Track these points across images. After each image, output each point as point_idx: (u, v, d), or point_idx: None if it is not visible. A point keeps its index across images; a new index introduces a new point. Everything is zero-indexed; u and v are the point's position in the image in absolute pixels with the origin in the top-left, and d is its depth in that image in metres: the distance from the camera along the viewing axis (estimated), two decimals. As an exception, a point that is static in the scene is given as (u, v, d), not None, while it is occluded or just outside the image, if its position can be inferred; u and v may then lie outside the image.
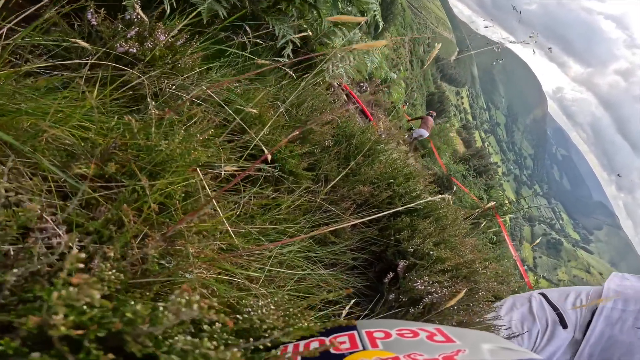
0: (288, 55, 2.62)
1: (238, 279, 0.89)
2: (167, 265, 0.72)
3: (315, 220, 1.17)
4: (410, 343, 0.43)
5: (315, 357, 0.39)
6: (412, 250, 1.23)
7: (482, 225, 3.17)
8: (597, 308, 1.44)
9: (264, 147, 1.07)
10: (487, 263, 1.27)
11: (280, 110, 1.30)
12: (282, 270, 1.05)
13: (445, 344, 0.43)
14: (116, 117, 0.99)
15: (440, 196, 0.84)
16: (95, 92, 0.97)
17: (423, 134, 7.93)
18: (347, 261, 1.19)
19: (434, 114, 8.76)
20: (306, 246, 1.09)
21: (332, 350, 0.41)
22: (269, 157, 1.07)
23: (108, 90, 0.94)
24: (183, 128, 0.94)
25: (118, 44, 1.21)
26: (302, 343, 0.45)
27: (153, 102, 0.83)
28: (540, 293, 1.63)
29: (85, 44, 1.04)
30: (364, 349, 0.42)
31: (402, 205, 1.41)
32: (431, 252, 1.23)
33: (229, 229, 0.74)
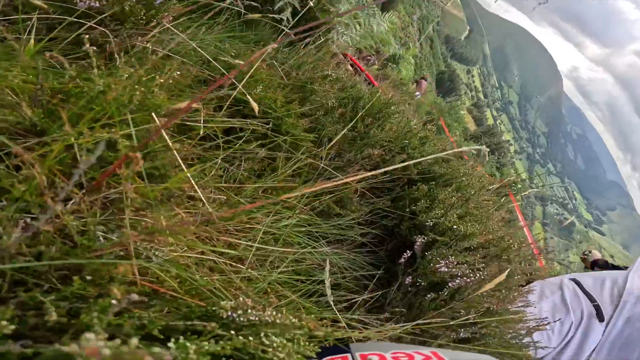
0: (287, 19, 2.37)
1: (217, 258, 0.71)
2: (114, 239, 0.55)
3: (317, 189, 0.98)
4: None
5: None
6: (431, 224, 1.04)
7: (502, 200, 2.96)
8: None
9: (250, 99, 0.87)
10: (521, 240, 1.08)
11: (265, 55, 1.09)
12: (278, 248, 0.87)
13: None
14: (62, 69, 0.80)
15: (475, 147, 0.64)
16: (32, 42, 0.78)
17: (416, 95, 8.86)
18: (354, 237, 1.01)
19: (428, 77, 10.37)
20: (306, 219, 0.90)
21: (325, 374, 0.32)
22: (255, 108, 0.87)
23: (32, 46, 0.74)
24: (145, 75, 0.75)
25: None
26: None
27: (89, 44, 0.63)
28: (571, 279, 1.47)
29: (37, 2, 0.85)
30: None
31: (417, 172, 1.20)
32: (454, 227, 1.03)
33: (196, 187, 0.56)
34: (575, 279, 1.46)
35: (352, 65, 3.40)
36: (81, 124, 0.56)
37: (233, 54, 1.37)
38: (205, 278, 0.67)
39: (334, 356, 0.44)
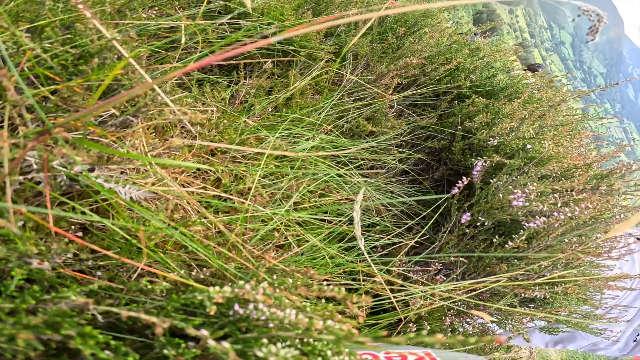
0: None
1: (212, 190, 0.55)
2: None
3: (342, 104, 0.77)
4: None
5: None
6: (494, 142, 0.80)
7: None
8: None
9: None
10: (627, 165, 0.81)
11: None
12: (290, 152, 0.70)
13: None
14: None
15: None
16: None
17: None
18: (392, 164, 0.80)
19: None
20: (330, 140, 0.70)
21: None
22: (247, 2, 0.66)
23: None
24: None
25: None
26: None
27: None
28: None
29: None
30: None
31: (470, 85, 0.94)
32: (529, 146, 0.78)
33: (142, 72, 0.37)
34: None
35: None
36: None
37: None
38: (195, 221, 0.51)
39: None
